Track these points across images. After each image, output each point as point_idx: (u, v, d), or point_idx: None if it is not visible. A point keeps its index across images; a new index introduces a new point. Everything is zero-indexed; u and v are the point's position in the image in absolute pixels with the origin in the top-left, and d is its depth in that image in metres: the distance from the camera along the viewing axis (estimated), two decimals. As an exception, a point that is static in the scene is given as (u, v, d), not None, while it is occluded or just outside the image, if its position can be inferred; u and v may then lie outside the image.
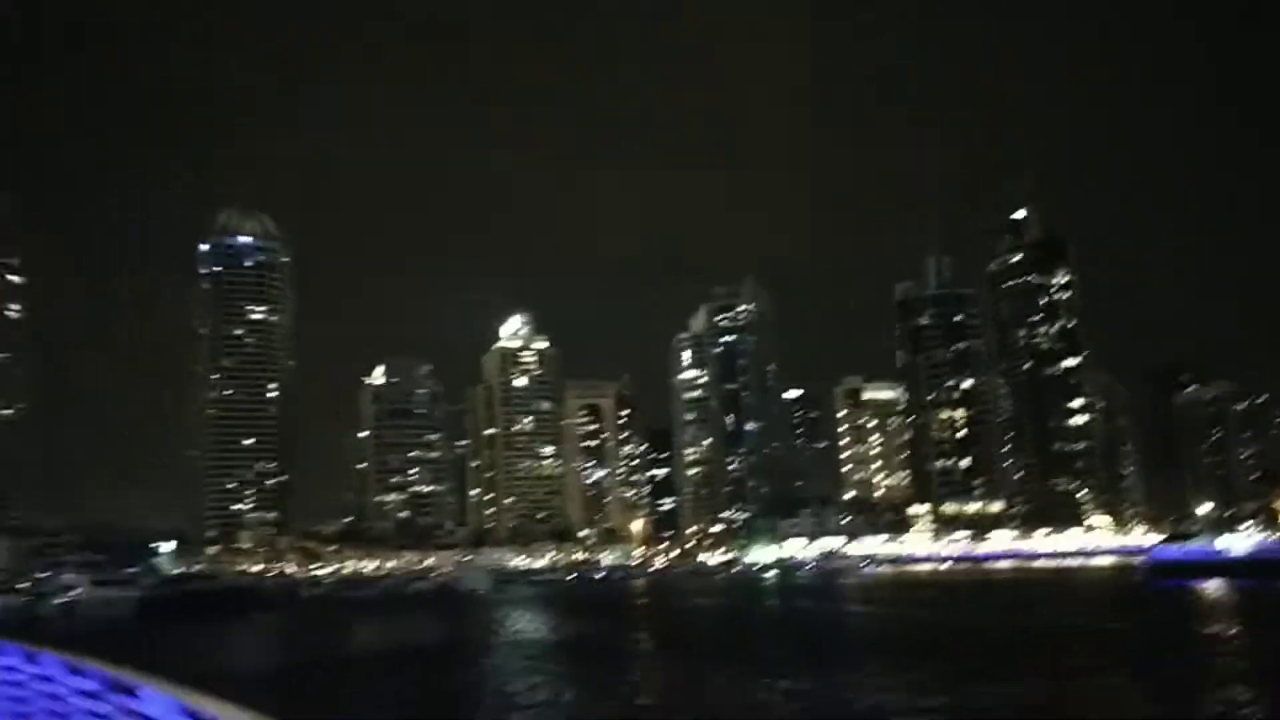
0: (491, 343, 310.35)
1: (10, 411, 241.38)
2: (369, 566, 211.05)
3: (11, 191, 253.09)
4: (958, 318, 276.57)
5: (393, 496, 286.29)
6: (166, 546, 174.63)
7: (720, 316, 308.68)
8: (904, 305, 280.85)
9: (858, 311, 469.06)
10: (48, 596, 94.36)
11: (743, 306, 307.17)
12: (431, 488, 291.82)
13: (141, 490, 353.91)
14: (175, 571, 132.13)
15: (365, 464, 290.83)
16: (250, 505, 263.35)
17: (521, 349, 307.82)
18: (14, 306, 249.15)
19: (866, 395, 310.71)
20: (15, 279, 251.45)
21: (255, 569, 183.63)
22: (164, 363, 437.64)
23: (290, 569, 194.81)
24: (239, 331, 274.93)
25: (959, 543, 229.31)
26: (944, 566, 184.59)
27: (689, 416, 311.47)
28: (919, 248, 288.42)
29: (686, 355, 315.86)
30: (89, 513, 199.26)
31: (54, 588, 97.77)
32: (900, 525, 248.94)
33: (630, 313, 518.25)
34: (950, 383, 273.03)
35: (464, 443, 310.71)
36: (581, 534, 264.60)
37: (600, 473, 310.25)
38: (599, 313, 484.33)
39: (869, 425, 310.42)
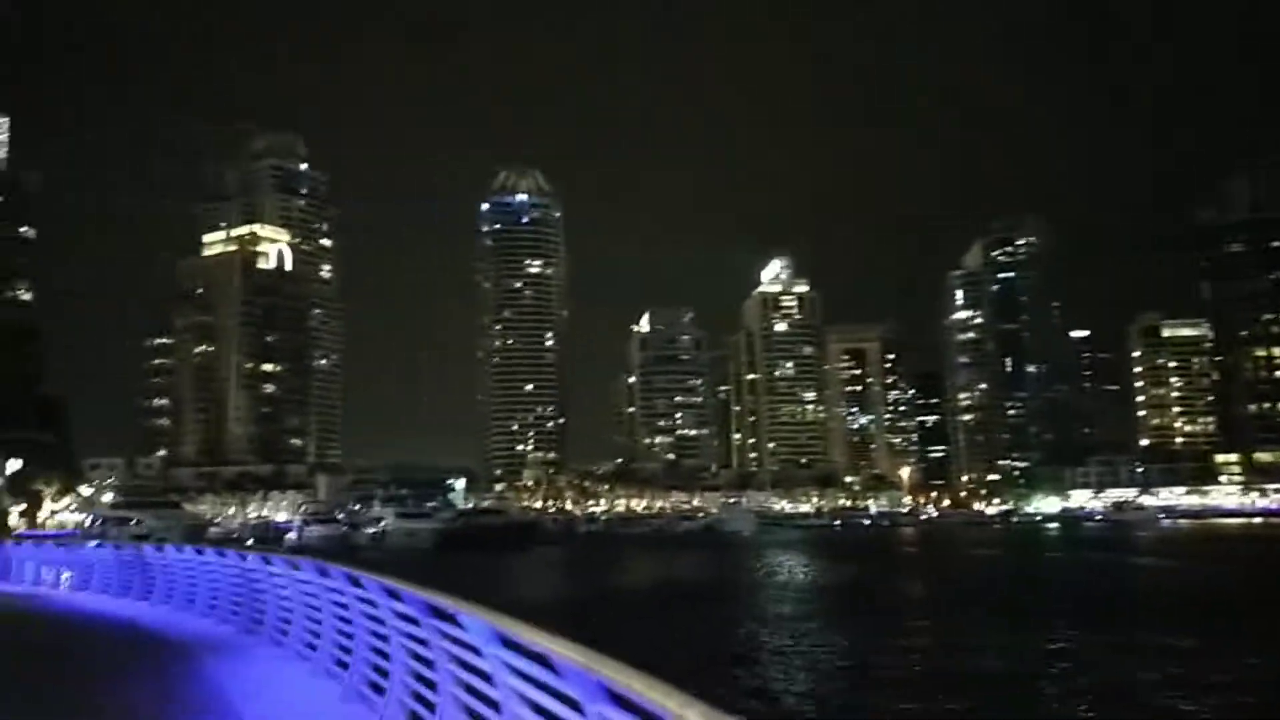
0: (752, 288, 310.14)
1: (325, 363, 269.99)
2: (640, 505, 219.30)
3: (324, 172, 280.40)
4: (1275, 243, 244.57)
5: (660, 439, 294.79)
6: (458, 484, 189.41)
7: (997, 252, 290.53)
8: (1208, 232, 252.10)
9: (1152, 241, 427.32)
10: (361, 527, 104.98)
11: (1022, 241, 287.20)
12: (696, 431, 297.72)
13: (436, 433, 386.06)
14: (467, 507, 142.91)
15: (634, 408, 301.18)
16: (531, 446, 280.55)
17: (781, 293, 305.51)
18: (326, 268, 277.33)
19: (1166, 333, 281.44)
20: (326, 242, 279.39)
21: (537, 505, 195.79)
22: (453, 315, 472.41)
23: (568, 506, 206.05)
24: (518, 284, 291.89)
25: (1275, 495, 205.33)
26: (1257, 521, 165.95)
27: (962, 359, 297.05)
28: (1221, 167, 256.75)
29: (959, 294, 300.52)
30: (393, 453, 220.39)
31: (366, 520, 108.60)
32: (1204, 475, 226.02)
33: (895, 253, 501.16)
34: (1267, 316, 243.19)
35: (726, 388, 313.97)
36: (847, 480, 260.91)
37: (865, 419, 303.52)
38: (862, 254, 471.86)
39: (1169, 366, 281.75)
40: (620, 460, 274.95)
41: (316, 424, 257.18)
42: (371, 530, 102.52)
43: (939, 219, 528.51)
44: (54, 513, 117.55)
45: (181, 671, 10.30)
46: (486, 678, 4.96)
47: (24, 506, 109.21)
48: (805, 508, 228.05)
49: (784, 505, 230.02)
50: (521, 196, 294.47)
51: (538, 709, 4.23)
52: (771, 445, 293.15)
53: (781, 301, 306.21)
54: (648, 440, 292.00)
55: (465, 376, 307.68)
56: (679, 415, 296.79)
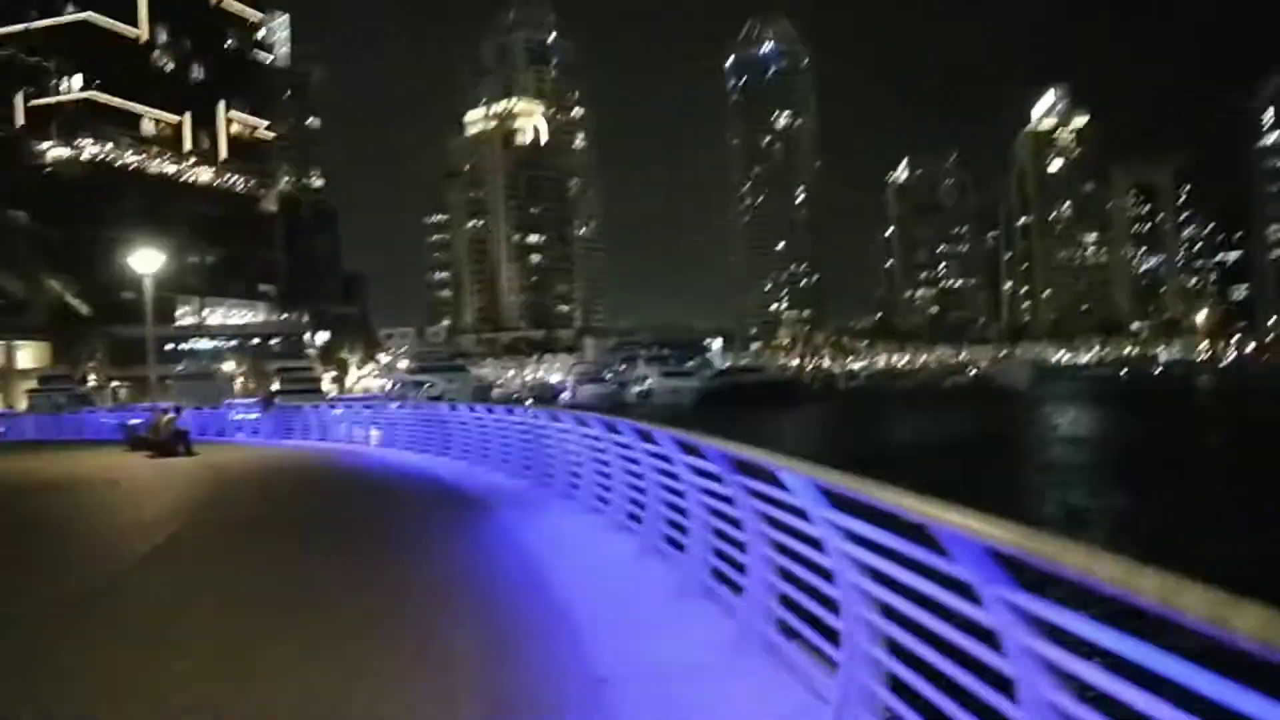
0: (1023, 125, 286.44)
1: (585, 231, 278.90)
2: (901, 361, 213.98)
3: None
4: None
5: (922, 292, 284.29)
6: (715, 344, 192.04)
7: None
8: None
9: None
10: (628, 386, 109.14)
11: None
12: (961, 282, 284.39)
13: (692, 294, 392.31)
14: (725, 365, 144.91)
15: (893, 261, 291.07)
16: (786, 304, 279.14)
17: (1057, 128, 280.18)
18: (580, 138, 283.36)
19: None
20: (579, 111, 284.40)
21: (794, 363, 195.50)
22: (704, 176, 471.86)
23: (826, 363, 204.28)
24: (767, 139, 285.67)
25: None
26: None
27: (1273, 189, 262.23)
28: None
29: (1268, 116, 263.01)
30: (652, 315, 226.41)
31: (632, 379, 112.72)
32: None
33: (1189, 72, 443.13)
34: None
35: (994, 234, 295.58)
36: (1133, 327, 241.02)
37: (1154, 260, 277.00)
38: (1149, 78, 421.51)
39: None
40: (879, 315, 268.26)
41: (582, 290, 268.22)
42: (637, 389, 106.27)
43: (1235, 33, 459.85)
44: (359, 379, 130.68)
45: (484, 522, 10.74)
46: (813, 542, 4.44)
47: (334, 373, 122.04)
48: (1086, 358, 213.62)
49: (1061, 356, 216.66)
50: (768, 46, 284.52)
51: (885, 580, 3.65)
52: (1046, 293, 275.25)
53: (1057, 136, 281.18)
54: (908, 294, 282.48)
55: (718, 237, 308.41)
56: (942, 266, 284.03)
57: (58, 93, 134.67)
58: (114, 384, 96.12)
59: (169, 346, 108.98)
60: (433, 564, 8.46)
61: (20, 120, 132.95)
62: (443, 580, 7.69)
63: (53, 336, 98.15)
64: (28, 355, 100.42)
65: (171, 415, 24.60)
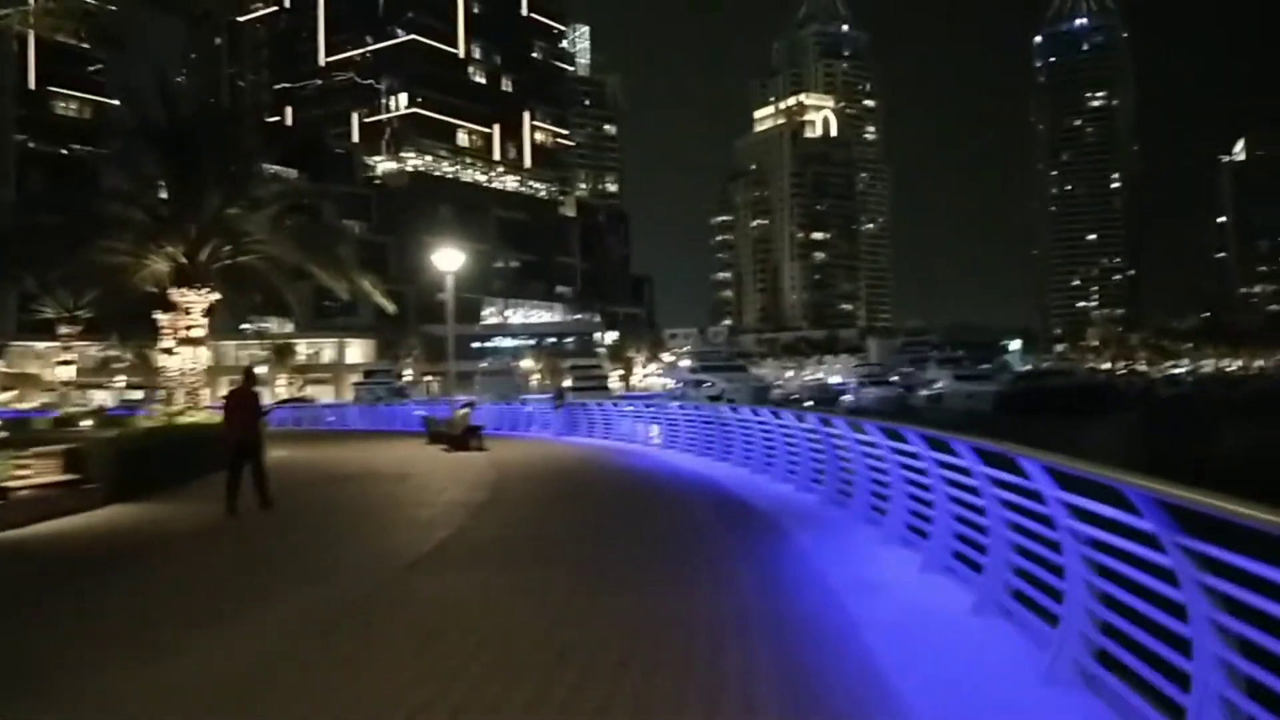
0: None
1: (872, 226, 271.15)
2: (1232, 365, 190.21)
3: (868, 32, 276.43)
4: None
5: (1260, 288, 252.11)
6: (1014, 344, 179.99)
7: None
8: None
9: None
10: (916, 389, 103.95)
11: None
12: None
13: (988, 291, 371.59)
14: (1025, 368, 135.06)
15: (1225, 253, 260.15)
16: (1096, 302, 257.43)
17: None
18: (870, 130, 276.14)
19: None
20: (870, 103, 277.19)
21: (1104, 367, 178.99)
22: (1002, 165, 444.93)
23: (1141, 367, 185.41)
24: (1077, 122, 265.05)
25: None
26: None
27: None
28: None
29: None
30: (943, 314, 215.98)
31: (920, 381, 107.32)
32: None
33: None
34: None
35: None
36: None
37: None
38: None
39: None
40: (1206, 314, 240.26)
41: (866, 288, 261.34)
42: (927, 392, 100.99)
43: None
44: (644, 376, 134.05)
45: (776, 547, 9.35)
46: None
47: (620, 371, 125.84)
48: None
49: None
50: (1080, 21, 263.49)
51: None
52: None
53: None
54: (1244, 289, 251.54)
55: (1019, 230, 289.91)
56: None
57: (387, 110, 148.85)
58: (427, 378, 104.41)
59: (475, 344, 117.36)
60: (723, 594, 7.22)
61: (355, 137, 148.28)
62: (734, 620, 6.38)
63: (378, 334, 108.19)
64: (356, 351, 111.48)
65: (466, 410, 25.30)
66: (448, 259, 26.94)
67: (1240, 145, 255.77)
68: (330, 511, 13.87)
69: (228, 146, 24.65)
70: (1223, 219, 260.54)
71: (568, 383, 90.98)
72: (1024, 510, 5.51)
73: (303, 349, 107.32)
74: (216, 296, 23.34)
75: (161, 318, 23.31)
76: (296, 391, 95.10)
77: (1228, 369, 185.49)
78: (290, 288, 25.73)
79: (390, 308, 28.64)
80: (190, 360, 23.30)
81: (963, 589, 6.87)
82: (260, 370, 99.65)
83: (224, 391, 15.44)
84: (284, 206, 25.53)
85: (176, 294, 22.75)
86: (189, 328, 23.04)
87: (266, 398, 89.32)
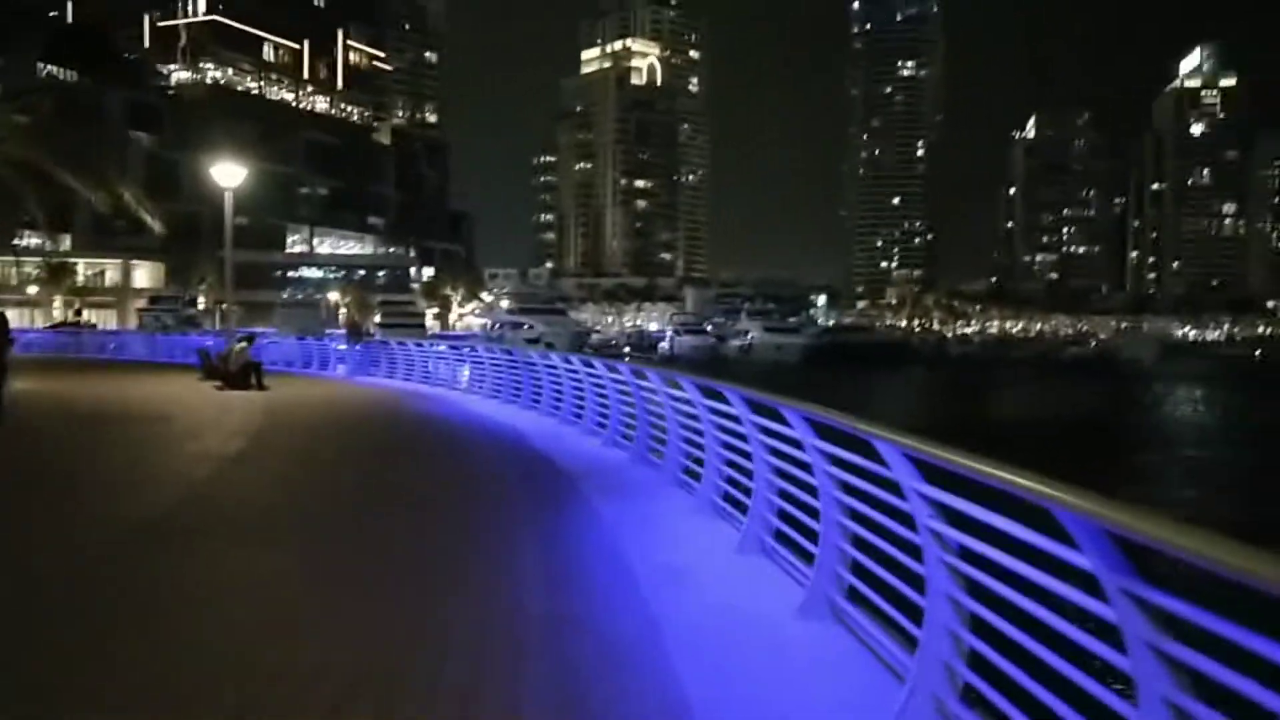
0: (1165, 84, 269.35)
1: (693, 178, 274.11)
2: (1016, 328, 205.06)
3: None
4: None
5: (1041, 257, 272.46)
6: (820, 300, 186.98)
7: None
8: None
9: None
10: (728, 339, 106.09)
11: None
12: (1084, 249, 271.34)
13: (798, 247, 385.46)
14: (830, 323, 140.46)
15: (1013, 223, 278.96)
16: (897, 263, 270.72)
17: (1203, 88, 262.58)
18: (694, 81, 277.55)
19: None
20: (695, 54, 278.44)
21: (902, 324, 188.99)
22: (818, 127, 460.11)
23: (935, 326, 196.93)
24: (888, 90, 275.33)
25: None
26: None
27: None
28: None
29: None
30: (756, 267, 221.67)
31: (732, 332, 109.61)
32: None
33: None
34: None
35: (1121, 200, 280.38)
36: (1269, 305, 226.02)
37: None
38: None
39: None
40: (994, 279, 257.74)
41: (684, 238, 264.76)
42: (738, 343, 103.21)
43: None
44: (461, 316, 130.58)
45: (573, 516, 8.11)
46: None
47: (436, 310, 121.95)
48: (1213, 335, 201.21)
49: (1188, 331, 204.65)
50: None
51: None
52: (1176, 264, 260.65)
53: (1202, 98, 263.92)
54: (1027, 258, 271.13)
55: (829, 190, 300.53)
56: (1066, 230, 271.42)
57: (184, 14, 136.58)
58: (224, 307, 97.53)
59: (280, 274, 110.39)
60: (496, 589, 5.85)
61: (147, 42, 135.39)
62: (504, 631, 5.03)
63: (168, 257, 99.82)
64: (144, 275, 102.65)
65: (243, 345, 22.83)
66: (227, 173, 23.96)
67: (1031, 123, 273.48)
68: (41, 459, 11.68)
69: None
70: (1012, 190, 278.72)
71: (377, 318, 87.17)
72: (863, 492, 4.82)
73: (82, 270, 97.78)
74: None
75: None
76: (72, 316, 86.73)
77: (1012, 331, 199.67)
78: (38, 196, 22.26)
79: (156, 225, 25.47)
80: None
81: (786, 581, 5.86)
82: (32, 291, 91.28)
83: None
84: (49, 106, 22.01)
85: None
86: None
87: (29, 321, 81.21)
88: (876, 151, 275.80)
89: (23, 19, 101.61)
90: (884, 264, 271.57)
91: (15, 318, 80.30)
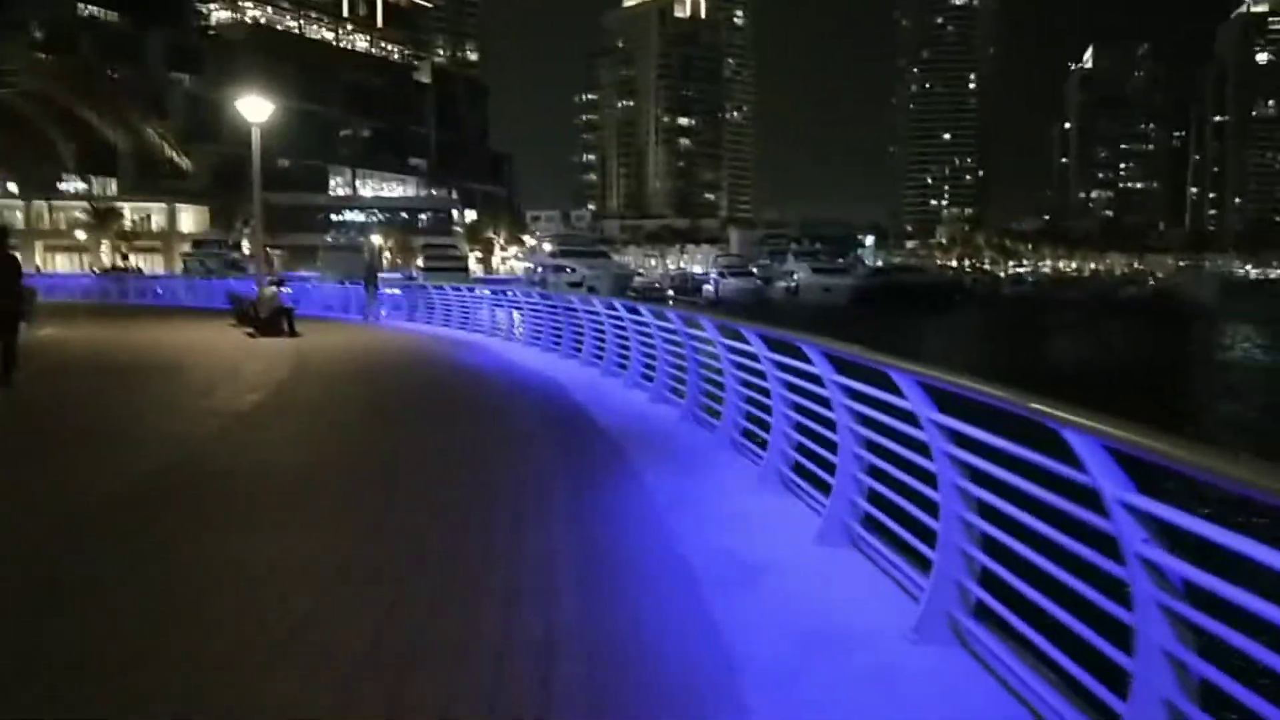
0: (1230, 11, 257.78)
1: (737, 115, 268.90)
2: (1070, 266, 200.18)
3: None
4: None
5: (1097, 194, 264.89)
6: (868, 240, 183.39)
7: None
8: None
9: None
10: (774, 281, 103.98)
11: None
12: (1142, 184, 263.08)
13: (845, 186, 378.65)
14: (879, 264, 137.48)
15: (1067, 158, 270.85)
16: (947, 201, 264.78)
17: (1270, 14, 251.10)
18: (739, 14, 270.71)
19: None
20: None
21: (952, 264, 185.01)
22: (865, 61, 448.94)
23: (987, 266, 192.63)
24: (940, 20, 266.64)
25: None
26: None
27: None
28: None
29: None
30: (802, 207, 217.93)
31: (779, 273, 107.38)
32: None
33: None
34: None
35: (1180, 133, 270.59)
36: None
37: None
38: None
39: None
40: (1047, 217, 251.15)
41: (729, 178, 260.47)
42: (785, 284, 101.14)
43: None
44: (505, 259, 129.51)
45: (615, 486, 6.98)
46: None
47: (479, 253, 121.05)
48: (1277, 273, 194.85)
49: (1248, 269, 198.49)
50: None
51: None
52: (1238, 200, 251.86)
53: (1270, 25, 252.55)
54: (1082, 194, 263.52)
55: (878, 127, 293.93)
56: (1123, 165, 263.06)
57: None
58: (272, 251, 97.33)
59: (321, 216, 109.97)
60: (515, 620, 4.62)
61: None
62: (527, 673, 3.86)
63: (212, 201, 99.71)
64: (189, 218, 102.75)
65: (274, 290, 21.95)
66: (254, 108, 22.77)
67: (1089, 54, 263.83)
68: (48, 413, 10.83)
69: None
70: (1067, 125, 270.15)
71: (419, 262, 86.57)
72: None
73: (129, 214, 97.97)
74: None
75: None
76: (120, 261, 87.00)
77: (1066, 270, 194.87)
78: (66, 136, 21.35)
79: (184, 163, 24.59)
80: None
81: (891, 589, 4.70)
82: (80, 236, 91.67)
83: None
84: (87, 45, 20.97)
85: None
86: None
87: (77, 266, 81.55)
88: (927, 85, 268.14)
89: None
90: (933, 202, 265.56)
91: (65, 263, 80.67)
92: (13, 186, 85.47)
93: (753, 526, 5.88)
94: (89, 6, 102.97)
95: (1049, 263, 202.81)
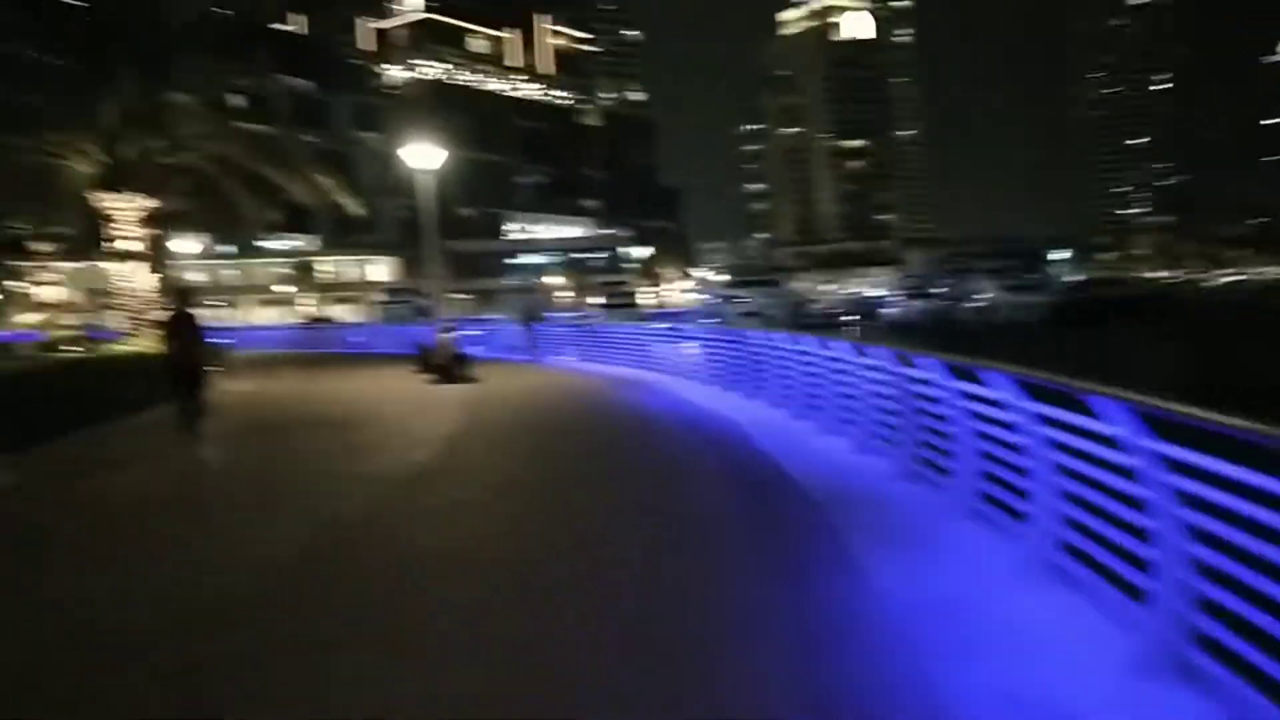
0: None
1: (908, 134, 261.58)
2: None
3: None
4: None
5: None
6: (1061, 254, 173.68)
7: None
8: None
9: None
10: (961, 301, 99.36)
11: None
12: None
13: (1030, 200, 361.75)
14: (1074, 278, 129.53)
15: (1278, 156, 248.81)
16: (1140, 209, 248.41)
17: None
18: (904, 32, 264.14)
19: None
20: (904, 2, 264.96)
21: (1153, 275, 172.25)
22: (1038, 70, 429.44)
23: (1193, 275, 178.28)
24: (1116, 22, 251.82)
25: None
26: None
27: None
28: None
29: None
30: (982, 223, 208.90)
31: (965, 293, 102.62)
32: None
33: None
34: None
35: None
36: None
37: None
38: None
39: None
40: (1263, 219, 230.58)
41: (903, 198, 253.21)
42: (975, 304, 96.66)
43: None
44: (678, 292, 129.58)
45: (829, 581, 5.57)
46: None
47: (651, 288, 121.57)
48: None
49: None
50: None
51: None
52: None
53: None
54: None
55: (1056, 137, 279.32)
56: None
57: (395, 15, 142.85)
58: (455, 296, 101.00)
59: (499, 261, 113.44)
60: None
61: (361, 44, 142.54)
62: None
63: (401, 251, 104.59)
64: (380, 269, 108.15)
65: (450, 336, 21.70)
66: (423, 155, 22.66)
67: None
68: (186, 478, 10.41)
69: (138, 19, 20.77)
70: (1269, 121, 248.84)
71: (600, 300, 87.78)
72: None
73: (326, 267, 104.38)
74: (152, 203, 19.69)
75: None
76: (317, 312, 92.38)
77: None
78: (245, 194, 21.96)
79: (356, 209, 24.92)
80: (129, 277, 19.82)
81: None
82: (285, 289, 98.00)
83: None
84: (286, 113, 21.72)
85: (100, 199, 19.18)
86: (123, 239, 19.51)
87: (275, 315, 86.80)
88: (1110, 90, 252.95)
89: (258, 34, 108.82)
90: (1124, 211, 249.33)
91: (273, 315, 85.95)
92: (229, 247, 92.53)
93: (1036, 647, 4.36)
94: (282, 76, 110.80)
95: (1265, 269, 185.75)
